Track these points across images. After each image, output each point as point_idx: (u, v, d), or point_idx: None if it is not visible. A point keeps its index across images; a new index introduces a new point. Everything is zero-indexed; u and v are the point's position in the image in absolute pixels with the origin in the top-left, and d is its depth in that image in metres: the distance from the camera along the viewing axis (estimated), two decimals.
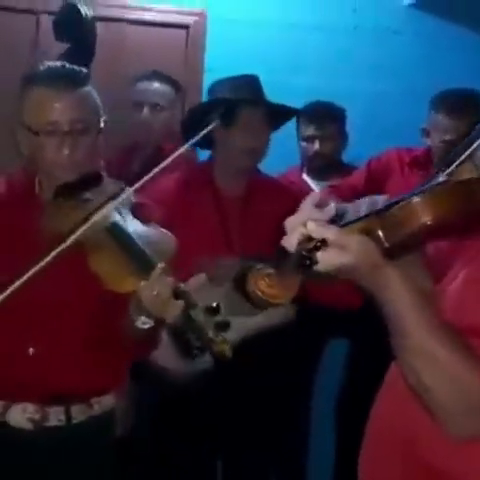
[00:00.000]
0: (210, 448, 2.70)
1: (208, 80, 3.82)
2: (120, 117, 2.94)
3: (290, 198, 2.61)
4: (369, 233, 1.16)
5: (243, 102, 2.57)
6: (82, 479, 1.99)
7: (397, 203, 1.18)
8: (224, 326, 1.68)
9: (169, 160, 1.87)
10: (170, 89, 3.34)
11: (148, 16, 3.94)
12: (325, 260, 1.13)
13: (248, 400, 2.62)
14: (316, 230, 1.14)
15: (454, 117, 2.99)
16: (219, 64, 3.76)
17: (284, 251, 1.18)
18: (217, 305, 1.70)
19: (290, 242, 1.17)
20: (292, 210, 2.54)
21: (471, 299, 1.24)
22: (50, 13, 3.49)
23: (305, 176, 3.54)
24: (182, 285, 1.74)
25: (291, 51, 4.05)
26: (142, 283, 1.73)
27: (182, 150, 1.93)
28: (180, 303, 1.70)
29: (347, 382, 3.39)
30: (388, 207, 1.18)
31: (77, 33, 3.07)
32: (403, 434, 1.31)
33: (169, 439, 2.62)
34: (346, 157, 3.60)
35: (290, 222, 1.20)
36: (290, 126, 3.39)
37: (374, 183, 3.27)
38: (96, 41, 3.10)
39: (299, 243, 1.16)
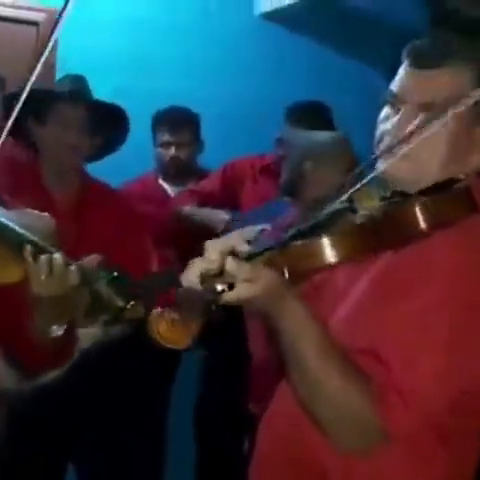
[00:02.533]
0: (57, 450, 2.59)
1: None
2: None
3: (122, 206, 2.63)
4: (273, 265, 1.17)
5: (58, 96, 2.44)
6: None
7: (303, 235, 1.19)
8: (133, 294, 1.57)
9: None
10: None
11: None
12: (232, 295, 1.14)
13: (99, 408, 2.56)
14: (234, 269, 1.13)
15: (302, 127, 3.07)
16: (70, 63, 3.68)
17: (183, 288, 1.15)
18: (118, 274, 1.62)
19: (190, 280, 1.15)
20: (124, 218, 2.51)
21: (365, 322, 1.28)
22: None
23: (161, 181, 3.53)
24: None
25: (143, 52, 4.01)
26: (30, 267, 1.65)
27: None
28: (76, 269, 1.65)
29: (204, 394, 3.36)
30: (293, 239, 1.19)
31: None
32: (296, 445, 1.35)
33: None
34: (199, 161, 3.62)
35: (212, 247, 1.17)
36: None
37: (229, 189, 3.34)
38: None
39: (203, 282, 1.13)
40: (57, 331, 1.70)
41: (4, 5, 3.80)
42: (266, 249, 1.18)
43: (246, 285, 1.14)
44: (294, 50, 4.26)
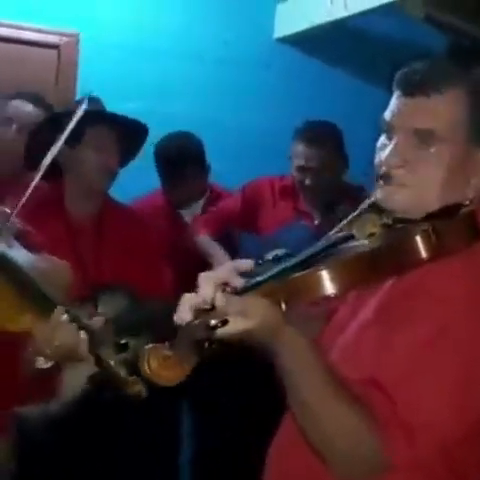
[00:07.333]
0: None
1: None
2: None
3: (141, 225, 2.65)
4: (270, 297, 1.14)
5: (85, 117, 2.35)
6: None
7: (301, 265, 1.17)
8: (134, 365, 1.50)
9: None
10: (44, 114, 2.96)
11: (19, 34, 3.88)
12: (225, 331, 1.10)
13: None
14: (222, 305, 1.10)
15: (310, 146, 3.12)
16: (91, 86, 3.73)
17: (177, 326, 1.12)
18: (127, 342, 1.60)
19: (182, 318, 1.12)
20: (143, 237, 2.52)
21: (366, 350, 1.26)
22: None
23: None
24: (87, 321, 1.67)
25: (161, 78, 4.09)
26: (40, 323, 1.64)
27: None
28: (85, 338, 1.63)
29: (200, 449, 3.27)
30: (291, 270, 1.17)
31: None
32: None
33: None
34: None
35: (205, 281, 1.14)
36: None
37: (248, 211, 3.32)
38: None
39: (196, 317, 1.10)
40: (43, 364, 1.67)
41: (26, 29, 3.89)
42: (262, 282, 1.15)
43: (239, 319, 1.11)
44: (311, 74, 4.30)
